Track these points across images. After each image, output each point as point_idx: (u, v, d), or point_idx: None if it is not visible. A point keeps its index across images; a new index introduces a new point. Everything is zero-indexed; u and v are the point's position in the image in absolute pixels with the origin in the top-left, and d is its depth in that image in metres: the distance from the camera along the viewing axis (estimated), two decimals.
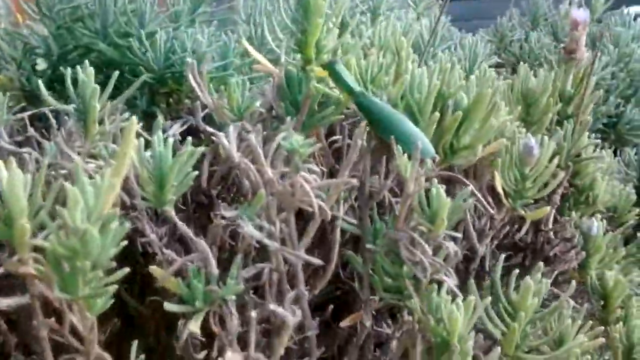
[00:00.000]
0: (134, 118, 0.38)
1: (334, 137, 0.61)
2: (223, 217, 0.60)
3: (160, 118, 0.77)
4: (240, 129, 0.53)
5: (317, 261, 0.44)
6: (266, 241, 0.44)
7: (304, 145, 0.41)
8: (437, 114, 0.50)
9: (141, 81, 0.55)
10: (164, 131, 0.74)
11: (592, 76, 0.69)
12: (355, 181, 0.42)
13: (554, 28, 1.30)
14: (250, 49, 0.59)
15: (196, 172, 0.46)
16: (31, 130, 0.63)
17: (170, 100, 0.84)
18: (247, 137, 0.44)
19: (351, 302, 0.62)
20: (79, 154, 0.51)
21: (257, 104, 0.55)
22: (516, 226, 0.70)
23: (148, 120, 0.83)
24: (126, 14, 0.80)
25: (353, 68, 0.59)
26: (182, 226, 0.47)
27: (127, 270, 0.38)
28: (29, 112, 0.73)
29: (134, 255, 0.57)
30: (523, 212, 0.61)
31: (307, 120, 0.55)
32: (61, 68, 0.79)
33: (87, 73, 0.49)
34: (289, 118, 0.48)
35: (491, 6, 1.60)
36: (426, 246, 0.46)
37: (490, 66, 0.96)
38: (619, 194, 0.84)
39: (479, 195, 0.54)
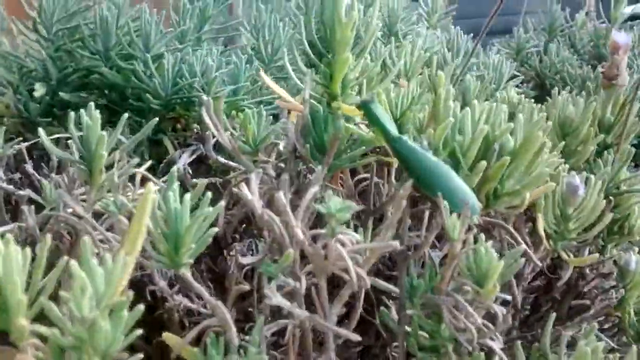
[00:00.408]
0: (151, 185, 0.33)
1: (361, 176, 0.56)
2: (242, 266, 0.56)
3: (169, 148, 0.73)
4: (261, 174, 0.48)
5: (354, 336, 0.39)
6: (297, 312, 0.39)
7: (343, 209, 0.35)
8: (484, 162, 0.45)
9: (152, 122, 0.49)
10: (173, 162, 0.70)
11: (636, 102, 0.64)
12: (397, 244, 0.37)
13: (572, 39, 1.25)
14: (271, 82, 0.54)
15: (215, 230, 0.41)
16: (29, 167, 0.58)
17: (178, 125, 0.79)
18: (275, 195, 0.39)
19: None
20: (83, 202, 0.46)
21: (281, 145, 0.50)
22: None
23: (154, 148, 0.78)
24: (130, 34, 0.74)
25: (382, 102, 0.54)
26: (199, 288, 0.42)
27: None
28: (26, 144, 0.68)
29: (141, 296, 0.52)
30: (566, 256, 0.56)
31: (333, 163, 0.50)
32: (61, 93, 0.74)
33: (92, 116, 0.44)
34: (319, 168, 0.43)
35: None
36: (474, 314, 0.41)
37: (515, 85, 0.91)
38: None
39: (524, 244, 0.49)
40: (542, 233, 0.55)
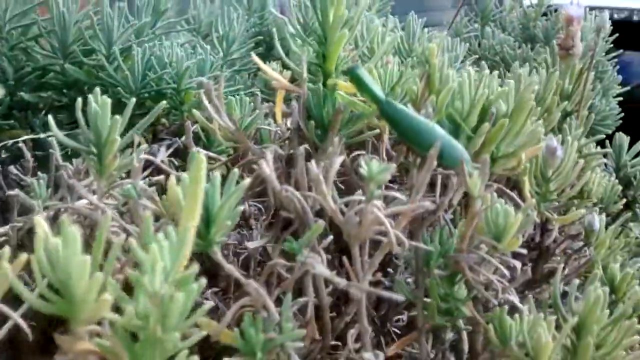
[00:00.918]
0: (201, 154, 0.33)
1: (355, 153, 0.57)
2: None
3: (142, 144, 0.71)
4: (274, 152, 0.48)
5: (397, 296, 0.40)
6: (336, 279, 0.40)
7: (382, 171, 0.36)
8: (487, 124, 0.47)
9: (161, 105, 0.48)
10: (153, 155, 0.68)
11: (591, 71, 0.69)
12: (431, 205, 0.39)
13: (502, 24, 1.31)
14: (263, 65, 0.54)
15: (242, 208, 0.41)
16: (13, 168, 0.55)
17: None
18: (311, 168, 0.39)
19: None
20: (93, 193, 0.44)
21: (288, 122, 0.50)
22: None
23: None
24: (92, 28, 0.72)
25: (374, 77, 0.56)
26: (231, 268, 0.42)
27: (203, 334, 0.33)
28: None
29: None
30: (550, 215, 0.59)
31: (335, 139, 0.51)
32: (21, 94, 0.71)
33: (100, 102, 0.42)
34: (336, 139, 0.44)
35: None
36: (500, 266, 0.43)
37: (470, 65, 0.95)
38: (605, 185, 0.85)
39: (519, 201, 0.52)
40: (529, 195, 0.59)
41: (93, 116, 0.42)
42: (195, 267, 0.31)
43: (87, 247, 0.45)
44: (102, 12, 0.72)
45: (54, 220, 0.44)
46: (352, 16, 0.52)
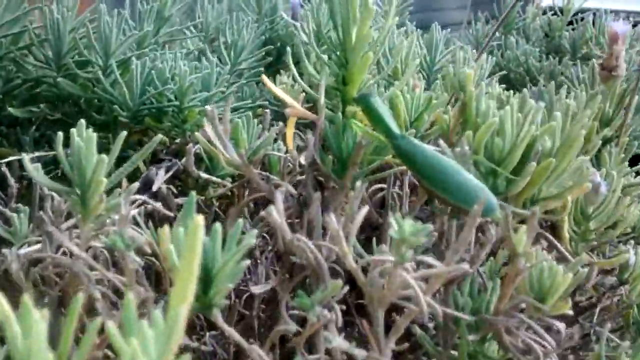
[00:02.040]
0: (201, 218, 0.27)
1: (376, 186, 0.51)
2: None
3: (140, 165, 0.65)
4: (284, 193, 0.42)
5: None
6: (355, 351, 0.34)
7: (417, 232, 0.30)
8: (533, 164, 0.41)
9: (156, 139, 0.42)
10: (149, 181, 0.62)
11: (637, 94, 0.63)
12: (469, 268, 0.33)
13: (526, 32, 1.25)
14: (275, 88, 0.48)
15: (247, 262, 0.35)
16: None
17: (145, 138, 0.71)
18: (330, 222, 0.33)
19: None
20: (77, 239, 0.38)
21: (302, 159, 0.44)
22: None
23: (121, 166, 0.70)
24: (88, 37, 0.66)
25: (399, 104, 0.50)
26: (231, 332, 0.36)
27: None
28: None
29: None
30: (591, 258, 0.53)
31: (354, 175, 0.45)
32: (10, 109, 0.65)
33: (85, 136, 0.36)
34: (358, 183, 0.38)
35: None
36: (544, 334, 0.37)
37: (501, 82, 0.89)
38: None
39: (564, 251, 0.45)
40: (567, 235, 0.52)
41: (76, 153, 0.36)
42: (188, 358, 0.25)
43: (65, 300, 0.39)
44: (99, 20, 0.66)
45: (30, 267, 0.38)
46: (378, 37, 0.46)
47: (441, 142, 0.42)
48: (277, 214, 0.37)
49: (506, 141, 0.42)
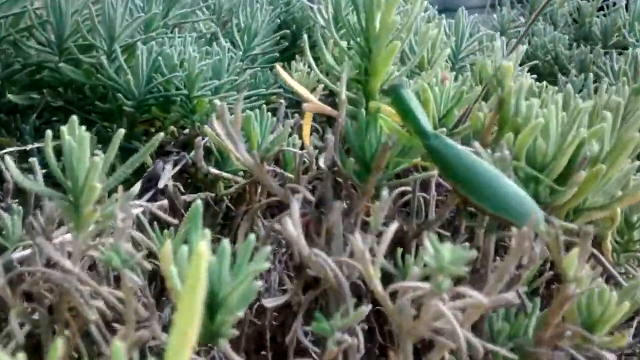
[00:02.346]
0: (205, 244, 0.22)
1: (403, 188, 0.47)
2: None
3: (147, 158, 0.61)
4: (301, 200, 0.37)
5: None
6: None
7: (457, 260, 0.26)
8: (583, 173, 0.36)
9: (158, 137, 0.38)
10: (156, 176, 0.58)
11: None
12: (513, 298, 0.28)
13: (554, 18, 1.18)
14: (291, 81, 0.43)
15: (259, 284, 0.31)
16: None
17: (152, 128, 0.67)
18: (354, 242, 0.29)
19: None
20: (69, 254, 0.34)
21: (321, 162, 0.40)
22: None
23: (126, 158, 0.66)
24: (91, 20, 0.62)
25: (427, 98, 0.45)
26: None
27: None
28: None
29: None
30: (636, 273, 0.48)
31: (379, 180, 0.40)
32: (9, 95, 0.61)
33: (77, 136, 0.32)
34: (385, 193, 0.33)
35: None
36: None
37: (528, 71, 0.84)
38: None
39: (613, 270, 0.41)
40: (609, 247, 0.48)
41: (67, 155, 0.32)
42: None
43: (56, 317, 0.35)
44: (103, 1, 0.61)
45: (19, 281, 0.34)
46: (404, 24, 0.41)
47: (477, 144, 0.38)
48: (292, 226, 0.33)
49: (550, 145, 0.37)
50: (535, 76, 0.82)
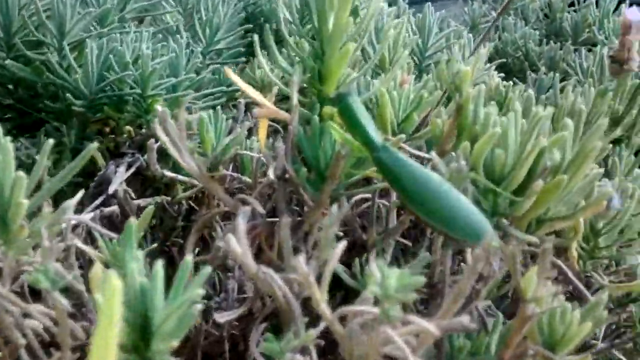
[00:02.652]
0: (119, 283, 0.20)
1: (363, 196, 0.45)
2: None
3: (98, 160, 0.59)
4: (249, 214, 0.35)
5: None
6: None
7: (405, 287, 0.24)
8: (540, 183, 0.35)
9: (90, 148, 0.35)
10: (107, 179, 0.56)
11: None
12: (469, 323, 0.27)
13: (525, 13, 1.18)
14: (242, 83, 0.41)
15: (199, 307, 0.28)
16: None
17: (106, 128, 0.64)
18: (297, 264, 0.27)
19: None
20: None
21: (270, 172, 0.38)
22: None
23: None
24: (39, 15, 0.59)
25: (385, 103, 0.43)
26: None
27: None
28: None
29: None
30: (602, 281, 0.47)
31: (334, 190, 0.39)
32: None
33: (2, 147, 0.30)
34: (334, 209, 0.31)
35: None
36: None
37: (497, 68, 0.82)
38: None
39: (579, 285, 0.40)
40: (575, 254, 0.47)
41: None
42: None
43: None
44: None
45: None
46: (359, 24, 0.39)
47: (434, 155, 0.36)
48: (237, 244, 0.31)
49: (509, 154, 0.35)
50: (503, 75, 0.81)
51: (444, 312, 0.27)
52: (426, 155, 0.42)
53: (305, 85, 0.41)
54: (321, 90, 0.40)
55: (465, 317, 0.27)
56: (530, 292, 0.30)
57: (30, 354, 0.32)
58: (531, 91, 0.40)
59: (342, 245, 0.29)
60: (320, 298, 0.27)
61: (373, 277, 0.24)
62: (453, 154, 0.37)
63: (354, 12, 0.59)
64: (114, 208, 0.51)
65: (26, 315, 0.31)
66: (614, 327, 0.60)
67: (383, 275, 0.24)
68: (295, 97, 0.38)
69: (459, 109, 0.38)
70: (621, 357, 0.60)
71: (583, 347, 0.56)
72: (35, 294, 0.35)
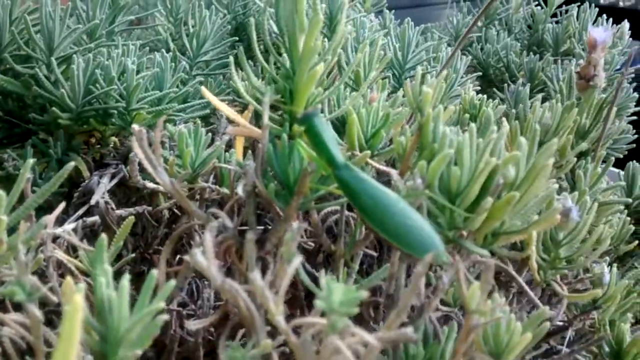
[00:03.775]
0: (79, 298, 0.22)
1: (331, 208, 0.47)
2: None
3: (83, 171, 0.61)
4: (216, 228, 0.38)
5: None
6: None
7: (348, 302, 0.26)
8: (489, 200, 0.37)
9: (68, 167, 0.37)
10: (90, 190, 0.58)
11: (614, 106, 0.59)
12: (414, 336, 0.29)
13: (509, 24, 1.20)
14: (218, 102, 0.43)
15: (164, 318, 0.31)
16: None
17: (92, 139, 0.66)
18: (253, 279, 0.29)
19: None
20: None
21: (239, 189, 0.40)
22: None
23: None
24: (28, 30, 0.61)
25: (352, 121, 0.45)
26: None
27: None
28: None
29: None
30: (561, 291, 0.49)
31: (302, 204, 0.41)
32: None
33: None
34: (295, 225, 0.33)
35: None
36: None
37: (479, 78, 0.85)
38: (616, 224, 0.75)
39: (531, 294, 0.42)
40: (535, 265, 0.49)
41: None
42: None
43: None
44: (40, 11, 0.61)
45: None
46: (328, 48, 0.42)
47: (393, 172, 0.38)
48: (202, 257, 0.33)
49: (464, 172, 0.38)
50: (478, 87, 0.83)
51: (389, 323, 0.29)
52: (392, 171, 0.44)
53: (277, 104, 0.43)
54: (291, 109, 0.42)
55: (409, 328, 0.29)
56: (474, 304, 0.32)
57: None
58: (489, 111, 0.42)
59: (299, 260, 0.31)
60: (275, 311, 0.29)
61: (320, 291, 0.27)
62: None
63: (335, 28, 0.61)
64: (96, 218, 0.53)
65: (2, 324, 0.33)
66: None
67: (329, 290, 0.26)
68: (266, 116, 0.40)
69: (420, 128, 0.41)
70: None
71: (549, 353, 0.59)
72: (16, 303, 0.37)
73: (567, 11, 1.15)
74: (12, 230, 0.36)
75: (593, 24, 1.06)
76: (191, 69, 0.80)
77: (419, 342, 0.38)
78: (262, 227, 0.42)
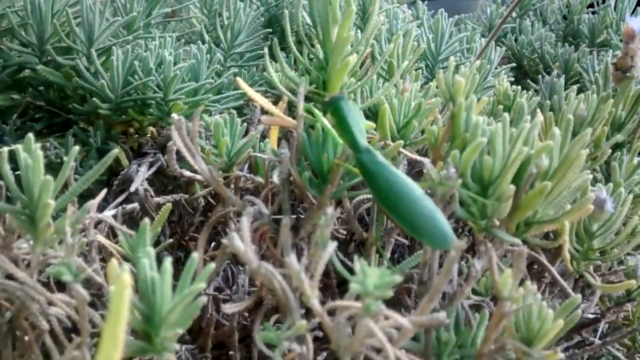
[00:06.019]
0: (125, 277, 0.23)
1: (364, 197, 0.48)
2: None
3: (122, 160, 0.63)
4: (252, 214, 0.39)
5: None
6: None
7: (383, 285, 0.27)
8: (512, 187, 0.37)
9: (112, 154, 0.38)
10: (129, 178, 0.59)
11: None
12: (446, 319, 0.29)
13: (543, 14, 1.18)
14: (253, 93, 0.44)
15: (203, 300, 0.32)
16: None
17: (130, 129, 0.68)
18: (289, 263, 0.30)
19: None
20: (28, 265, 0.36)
21: (275, 177, 0.41)
22: None
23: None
24: (69, 23, 0.63)
25: (384, 110, 0.46)
26: None
27: None
28: None
29: None
30: (593, 281, 0.49)
31: (335, 192, 0.42)
32: None
33: (31, 153, 0.33)
34: (330, 210, 0.34)
35: None
36: None
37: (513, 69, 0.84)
38: None
39: (561, 281, 0.42)
40: (567, 256, 0.49)
41: (24, 171, 0.33)
42: None
43: (16, 325, 0.37)
44: (81, 4, 0.62)
45: None
46: (361, 39, 0.42)
47: (426, 160, 0.39)
48: (240, 241, 0.34)
49: (497, 161, 0.38)
50: (512, 78, 0.82)
51: (422, 308, 0.30)
52: (425, 160, 0.45)
53: (311, 94, 0.44)
54: (324, 99, 0.43)
55: (441, 314, 0.30)
56: (506, 291, 0.32)
57: (53, 338, 0.36)
58: (535, 98, 0.42)
59: (334, 245, 0.32)
60: (311, 293, 0.30)
61: (356, 275, 0.27)
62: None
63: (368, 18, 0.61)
64: (135, 205, 0.55)
65: (50, 303, 0.35)
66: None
67: (364, 274, 0.27)
68: (301, 106, 0.41)
69: (452, 117, 0.41)
70: (620, 356, 0.62)
71: (581, 344, 0.59)
72: (60, 285, 0.39)
73: (604, 1, 1.13)
74: (55, 216, 0.37)
75: (631, 14, 1.04)
76: (225, 61, 0.82)
77: (450, 328, 0.38)
78: (295, 216, 0.43)
